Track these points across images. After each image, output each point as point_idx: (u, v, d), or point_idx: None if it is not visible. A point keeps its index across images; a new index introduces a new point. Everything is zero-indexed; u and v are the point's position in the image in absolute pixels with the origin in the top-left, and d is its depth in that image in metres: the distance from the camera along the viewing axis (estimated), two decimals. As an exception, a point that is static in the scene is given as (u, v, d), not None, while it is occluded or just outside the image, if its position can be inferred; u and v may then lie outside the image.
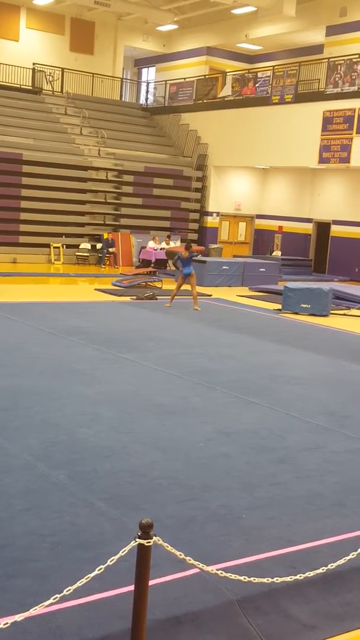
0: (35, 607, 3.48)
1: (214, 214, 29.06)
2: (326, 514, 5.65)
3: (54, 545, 4.77)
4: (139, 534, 3.59)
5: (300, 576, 4.21)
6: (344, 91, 23.17)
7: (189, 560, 3.86)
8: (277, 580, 4.10)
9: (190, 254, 16.44)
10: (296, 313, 17.15)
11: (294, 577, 4.20)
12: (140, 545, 3.58)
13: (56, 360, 10.29)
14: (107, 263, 25.22)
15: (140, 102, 33.76)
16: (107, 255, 25.24)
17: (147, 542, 3.58)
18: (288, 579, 4.18)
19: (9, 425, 7.22)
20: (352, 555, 4.46)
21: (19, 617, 3.40)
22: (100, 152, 27.19)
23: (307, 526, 5.39)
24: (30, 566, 4.48)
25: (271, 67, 26.68)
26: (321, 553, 4.95)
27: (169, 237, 25.94)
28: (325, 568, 4.31)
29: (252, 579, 4.03)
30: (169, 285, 20.53)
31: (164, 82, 31.63)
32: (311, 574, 4.26)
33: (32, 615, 3.52)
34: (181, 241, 26.89)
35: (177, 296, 16.78)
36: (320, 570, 4.29)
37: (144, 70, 35.74)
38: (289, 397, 9.17)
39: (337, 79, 23.37)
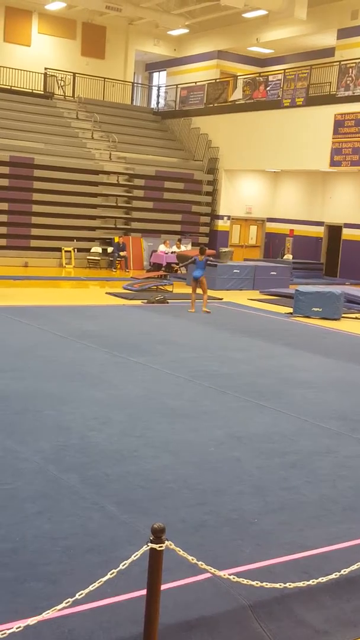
0: (48, 611, 3.48)
1: (225, 218, 29.04)
2: (339, 519, 5.62)
3: (66, 549, 4.77)
4: (151, 538, 3.59)
5: (312, 581, 4.19)
6: (355, 94, 23.11)
7: (201, 564, 3.86)
8: (289, 585, 4.08)
9: (205, 258, 16.66)
10: (307, 317, 17.11)
11: (306, 583, 4.18)
12: (152, 549, 3.58)
13: (67, 363, 10.30)
14: (118, 267, 25.24)
15: (152, 106, 33.82)
16: (118, 259, 25.26)
17: (159, 547, 3.57)
18: (300, 584, 4.17)
19: (20, 429, 7.23)
20: (365, 560, 4.44)
21: (31, 621, 3.41)
22: (111, 156, 27.24)
23: (320, 531, 5.37)
24: (42, 570, 4.48)
25: (282, 71, 26.64)
26: (334, 558, 4.93)
27: (179, 240, 25.96)
28: (338, 573, 4.29)
29: (264, 584, 4.02)
30: (180, 289, 20.54)
31: (175, 86, 31.67)
32: (324, 579, 4.24)
33: (44, 619, 3.52)
34: (192, 245, 26.91)
35: (186, 299, 16.82)
36: (333, 576, 4.27)
37: (155, 75, 35.79)
38: (300, 401, 9.14)
39: (348, 82, 23.32)
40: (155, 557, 3.58)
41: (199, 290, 16.74)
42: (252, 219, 30.00)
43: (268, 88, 26.58)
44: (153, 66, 35.34)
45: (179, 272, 20.57)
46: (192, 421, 7.93)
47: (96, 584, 3.62)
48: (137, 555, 3.66)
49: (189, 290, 20.20)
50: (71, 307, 15.99)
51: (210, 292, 17.80)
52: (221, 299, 19.28)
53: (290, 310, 17.64)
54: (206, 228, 28.60)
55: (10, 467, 6.17)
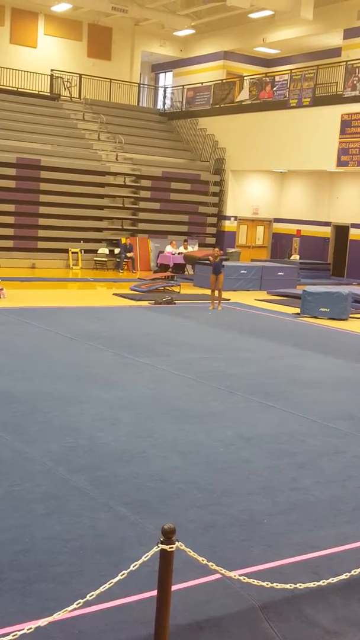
0: (59, 612, 3.48)
1: (232, 218, 29.02)
2: (348, 519, 5.61)
3: (76, 550, 4.77)
4: (161, 539, 3.58)
5: (323, 582, 4.19)
6: (362, 94, 23.07)
7: (211, 565, 3.85)
8: (299, 586, 4.08)
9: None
10: (315, 317, 17.08)
11: (316, 583, 4.18)
12: (162, 550, 3.58)
13: (75, 364, 10.31)
14: (125, 268, 25.25)
15: (158, 107, 33.82)
16: (125, 260, 25.27)
17: (170, 548, 3.57)
18: (311, 584, 4.16)
19: (29, 430, 7.24)
20: (375, 561, 4.42)
21: (42, 622, 3.41)
22: (117, 158, 27.26)
23: (329, 532, 5.36)
24: (52, 571, 4.48)
25: (289, 71, 26.61)
26: (343, 559, 4.92)
27: (185, 241, 25.90)
28: (348, 574, 4.28)
29: (274, 584, 4.01)
30: (187, 289, 20.54)
31: (181, 87, 31.67)
32: (334, 579, 4.23)
33: (55, 620, 3.52)
34: (199, 246, 26.89)
35: (193, 300, 16.89)
36: (343, 576, 4.26)
37: (161, 76, 35.79)
38: (308, 402, 9.13)
39: (355, 82, 23.27)
40: (165, 558, 3.58)
41: (206, 291, 16.80)
42: (259, 220, 29.97)
43: (274, 88, 26.55)
44: (159, 67, 35.34)
45: (187, 273, 20.55)
46: (200, 422, 7.92)
47: (106, 585, 3.62)
48: (147, 556, 3.66)
49: (195, 290, 20.30)
50: (78, 309, 16.00)
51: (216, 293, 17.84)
52: (228, 299, 19.25)
53: (298, 310, 17.61)
54: (213, 229, 28.58)
55: (19, 469, 6.18)
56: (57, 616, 3.49)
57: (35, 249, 24.42)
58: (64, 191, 24.85)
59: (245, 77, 29.37)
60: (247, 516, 5.52)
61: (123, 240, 25.37)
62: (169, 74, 34.88)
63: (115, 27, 31.75)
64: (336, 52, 27.12)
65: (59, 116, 28.14)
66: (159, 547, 3.58)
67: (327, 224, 28.15)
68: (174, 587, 3.73)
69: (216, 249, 18.45)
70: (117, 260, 25.40)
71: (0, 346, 11.33)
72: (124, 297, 18.44)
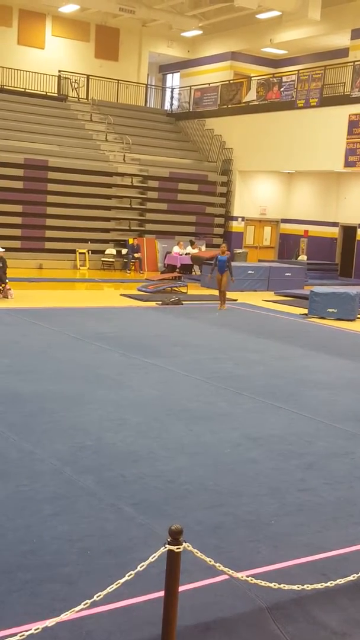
0: (66, 613, 3.49)
1: (239, 219, 29.00)
2: (356, 521, 5.60)
3: (83, 551, 4.78)
4: (169, 540, 3.58)
5: (330, 583, 4.17)
6: (369, 94, 23.03)
7: (219, 566, 3.85)
8: (307, 587, 4.07)
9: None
10: (323, 318, 17.05)
11: (324, 584, 4.16)
12: (169, 551, 3.57)
13: (82, 365, 10.32)
14: (133, 268, 25.26)
15: (165, 107, 33.84)
16: (133, 260, 25.29)
17: (177, 548, 3.57)
18: (318, 586, 4.15)
19: (36, 430, 7.25)
20: (383, 562, 4.41)
21: (49, 622, 3.41)
22: (125, 158, 27.28)
23: (337, 533, 5.35)
24: (60, 571, 4.49)
25: (296, 71, 26.57)
26: (351, 560, 4.91)
27: (191, 242, 25.84)
28: (355, 575, 4.28)
29: (281, 585, 4.01)
30: (194, 290, 20.53)
31: (189, 88, 31.67)
32: (342, 581, 4.22)
33: (62, 621, 3.53)
34: (206, 246, 26.87)
35: (200, 301, 16.91)
36: (350, 578, 4.26)
37: (169, 76, 35.81)
38: (316, 403, 9.11)
39: (362, 82, 23.22)
40: (172, 559, 3.58)
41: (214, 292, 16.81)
42: (266, 220, 29.94)
43: (282, 89, 26.53)
44: (166, 68, 35.36)
45: (194, 273, 20.53)
46: (208, 423, 7.92)
47: (114, 586, 3.62)
48: (154, 557, 3.66)
49: (202, 291, 20.31)
50: (86, 309, 16.02)
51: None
52: (236, 300, 19.24)
53: (305, 311, 17.58)
54: (220, 229, 28.57)
55: (26, 469, 6.19)
56: (65, 616, 3.50)
57: (42, 250, 24.47)
58: (71, 192, 24.89)
59: (252, 78, 29.35)
60: (255, 517, 5.52)
61: (130, 241, 25.38)
62: (177, 75, 34.91)
63: (123, 28, 31.78)
64: (344, 52, 27.09)
65: (66, 117, 28.19)
66: (166, 547, 3.58)
67: (334, 224, 28.10)
68: (181, 588, 3.73)
69: (223, 245, 18.49)
70: (125, 260, 25.42)
71: (7, 346, 11.35)
72: (131, 297, 18.45)
